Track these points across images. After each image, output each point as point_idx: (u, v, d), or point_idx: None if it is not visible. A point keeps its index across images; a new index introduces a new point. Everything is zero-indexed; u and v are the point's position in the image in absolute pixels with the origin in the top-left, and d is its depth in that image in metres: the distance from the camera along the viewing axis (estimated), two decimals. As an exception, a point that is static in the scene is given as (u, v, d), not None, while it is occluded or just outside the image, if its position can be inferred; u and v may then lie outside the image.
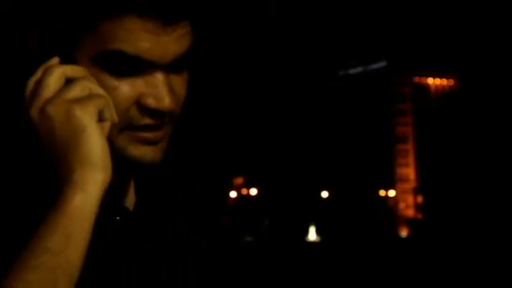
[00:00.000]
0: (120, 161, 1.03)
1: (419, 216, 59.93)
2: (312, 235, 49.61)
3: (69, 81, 1.00)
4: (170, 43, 1.02)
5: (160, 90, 1.02)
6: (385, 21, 62.80)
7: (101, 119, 1.00)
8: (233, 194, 51.78)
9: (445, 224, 52.85)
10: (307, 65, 64.47)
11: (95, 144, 0.97)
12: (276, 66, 62.23)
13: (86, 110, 0.98)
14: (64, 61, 1.03)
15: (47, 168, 1.00)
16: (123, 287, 1.10)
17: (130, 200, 1.13)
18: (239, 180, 54.62)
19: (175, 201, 1.19)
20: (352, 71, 64.77)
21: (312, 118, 63.34)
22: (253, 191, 55.65)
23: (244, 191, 54.99)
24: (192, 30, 1.05)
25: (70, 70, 1.01)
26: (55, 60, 1.02)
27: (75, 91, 0.99)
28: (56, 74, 1.00)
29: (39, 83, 1.00)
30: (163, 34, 1.01)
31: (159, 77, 1.03)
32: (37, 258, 0.93)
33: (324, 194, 59.57)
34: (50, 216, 0.96)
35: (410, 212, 60.77)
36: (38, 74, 1.01)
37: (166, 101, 1.02)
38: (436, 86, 64.00)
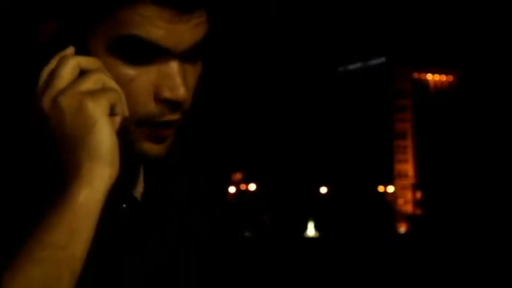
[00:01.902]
0: (129, 151, 1.03)
1: (418, 212, 60.00)
2: (311, 231, 49.65)
3: (83, 73, 0.99)
4: (185, 31, 1.01)
5: (174, 80, 1.02)
6: (384, 17, 62.78)
7: (112, 113, 0.98)
8: (232, 190, 51.80)
9: (444, 220, 52.92)
10: (306, 60, 64.46)
11: (104, 139, 0.96)
12: (275, 62, 62.21)
13: (98, 103, 0.96)
14: (78, 51, 1.02)
15: (52, 159, 0.99)
16: (127, 278, 1.11)
17: (138, 189, 1.14)
18: (238, 176, 54.64)
19: (180, 190, 1.21)
20: (351, 67, 64.76)
21: (311, 114, 63.35)
22: (252, 187, 55.69)
23: (243, 187, 55.02)
24: (207, 19, 1.04)
25: (85, 61, 1.00)
26: (70, 50, 1.01)
27: (89, 83, 0.98)
28: (71, 64, 0.99)
29: (52, 73, 0.99)
30: (178, 22, 1.00)
31: (173, 66, 1.02)
32: (40, 252, 0.92)
33: (323, 190, 59.61)
34: (55, 210, 0.94)
35: (409, 208, 60.84)
36: (53, 63, 1.00)
37: (181, 91, 1.02)
38: (436, 82, 64.00)
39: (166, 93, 1.02)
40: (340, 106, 63.58)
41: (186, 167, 1.24)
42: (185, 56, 1.03)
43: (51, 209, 0.95)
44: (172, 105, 1.03)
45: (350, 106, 63.38)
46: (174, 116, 1.04)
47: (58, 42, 1.03)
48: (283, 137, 60.88)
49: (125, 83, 1.01)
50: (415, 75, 63.42)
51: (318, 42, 64.15)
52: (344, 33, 63.92)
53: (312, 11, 64.32)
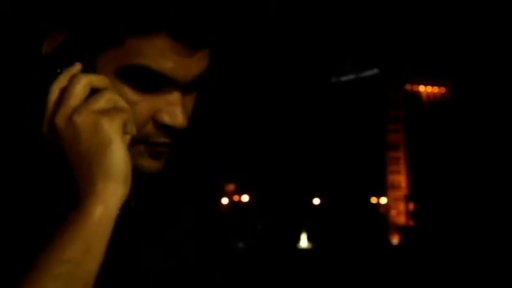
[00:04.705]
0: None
1: (411, 223, 60.00)
2: (304, 242, 49.60)
3: (93, 91, 1.02)
4: (192, 65, 1.06)
5: (176, 108, 1.07)
6: (377, 28, 62.96)
7: (123, 132, 1.02)
8: (225, 201, 51.74)
9: (437, 232, 52.92)
10: (299, 71, 64.56)
11: (119, 158, 1.00)
12: (267, 73, 62.28)
13: (113, 122, 1.00)
14: (85, 68, 1.05)
15: (65, 175, 1.02)
16: (123, 283, 1.12)
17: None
18: (231, 187, 54.60)
19: (172, 196, 1.23)
20: (344, 78, 64.89)
21: (304, 125, 63.39)
22: (245, 198, 55.64)
23: (236, 198, 54.98)
24: (209, 52, 1.09)
25: (96, 80, 1.03)
26: (77, 66, 1.04)
27: (102, 102, 1.01)
28: (83, 82, 1.02)
29: (64, 91, 1.02)
30: (188, 56, 1.04)
31: (176, 96, 1.07)
32: (57, 268, 0.96)
33: (316, 201, 59.59)
34: (70, 227, 0.98)
35: (401, 219, 60.83)
36: (63, 80, 1.03)
37: (180, 119, 1.07)
38: (428, 94, 64.18)
39: (166, 119, 1.07)
40: (333, 117, 63.66)
41: (179, 177, 1.26)
42: (187, 87, 1.08)
43: (67, 225, 0.98)
44: (169, 130, 1.08)
45: (343, 117, 63.47)
46: (168, 139, 1.10)
47: (64, 55, 1.05)
48: (276, 148, 60.89)
49: (127, 105, 1.05)
50: (408, 86, 63.60)
51: (310, 54, 64.27)
52: (337, 45, 64.05)
53: (304, 22, 64.47)
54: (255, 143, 59.63)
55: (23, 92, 1.08)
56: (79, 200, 1.00)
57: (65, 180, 1.03)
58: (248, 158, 57.84)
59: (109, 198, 0.99)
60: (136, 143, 1.07)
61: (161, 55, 1.03)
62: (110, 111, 1.01)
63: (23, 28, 1.09)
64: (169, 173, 1.20)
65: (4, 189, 1.05)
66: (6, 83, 1.09)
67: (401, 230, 58.76)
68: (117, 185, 0.99)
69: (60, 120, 1.00)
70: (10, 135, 1.08)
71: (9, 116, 1.09)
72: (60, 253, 0.96)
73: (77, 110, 1.00)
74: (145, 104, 1.06)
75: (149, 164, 1.09)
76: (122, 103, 1.03)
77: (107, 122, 1.00)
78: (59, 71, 1.03)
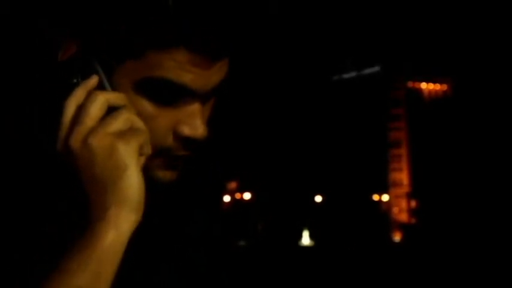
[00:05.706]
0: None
1: (413, 220, 60.00)
2: (306, 240, 49.60)
3: (111, 109, 0.99)
4: (212, 75, 1.04)
5: (196, 120, 1.04)
6: (379, 26, 62.95)
7: (139, 153, 0.99)
8: (227, 199, 51.75)
9: (439, 229, 52.95)
10: (300, 69, 64.57)
11: (134, 185, 0.97)
12: (269, 71, 62.29)
13: (129, 146, 0.97)
14: (101, 80, 1.02)
15: (77, 197, 1.00)
16: None
17: None
18: (233, 185, 54.60)
19: (175, 198, 1.22)
20: (346, 75, 64.87)
21: (306, 123, 63.40)
22: (247, 196, 55.64)
23: (238, 196, 54.97)
24: (227, 61, 1.07)
25: (113, 98, 1.00)
26: (94, 80, 1.02)
27: (119, 123, 0.98)
28: (100, 101, 0.99)
29: (81, 109, 0.99)
30: (207, 67, 1.03)
31: (196, 107, 1.04)
32: None
33: (318, 199, 59.60)
34: (80, 252, 0.96)
35: (403, 217, 60.84)
36: (79, 96, 1.00)
37: (200, 130, 1.04)
38: (430, 91, 64.14)
39: (187, 131, 1.04)
40: (335, 115, 63.65)
41: (190, 182, 1.26)
42: (206, 96, 1.06)
43: (77, 250, 0.96)
44: (190, 142, 1.05)
45: (344, 115, 63.45)
46: (188, 152, 1.07)
47: (80, 65, 1.03)
48: (278, 146, 60.90)
49: (147, 119, 1.02)
50: (409, 84, 63.55)
51: (312, 52, 64.28)
52: (338, 42, 64.06)
53: (306, 20, 64.48)
54: (257, 141, 59.64)
55: (34, 98, 1.08)
56: (90, 224, 0.97)
57: (67, 187, 1.02)
58: (250, 156, 57.85)
59: (121, 224, 0.97)
60: (156, 157, 1.05)
61: (181, 68, 1.01)
62: (126, 134, 0.98)
63: (37, 33, 1.09)
64: (181, 178, 1.20)
65: (5, 192, 1.04)
66: (19, 89, 1.09)
67: (403, 227, 58.77)
68: (130, 212, 0.97)
69: (75, 141, 0.98)
70: (16, 140, 1.07)
71: (17, 121, 1.09)
72: (70, 279, 0.94)
73: (92, 131, 0.97)
74: (164, 117, 1.04)
75: (164, 175, 1.08)
76: (139, 123, 1.00)
77: (122, 145, 0.97)
78: (75, 81, 1.01)
